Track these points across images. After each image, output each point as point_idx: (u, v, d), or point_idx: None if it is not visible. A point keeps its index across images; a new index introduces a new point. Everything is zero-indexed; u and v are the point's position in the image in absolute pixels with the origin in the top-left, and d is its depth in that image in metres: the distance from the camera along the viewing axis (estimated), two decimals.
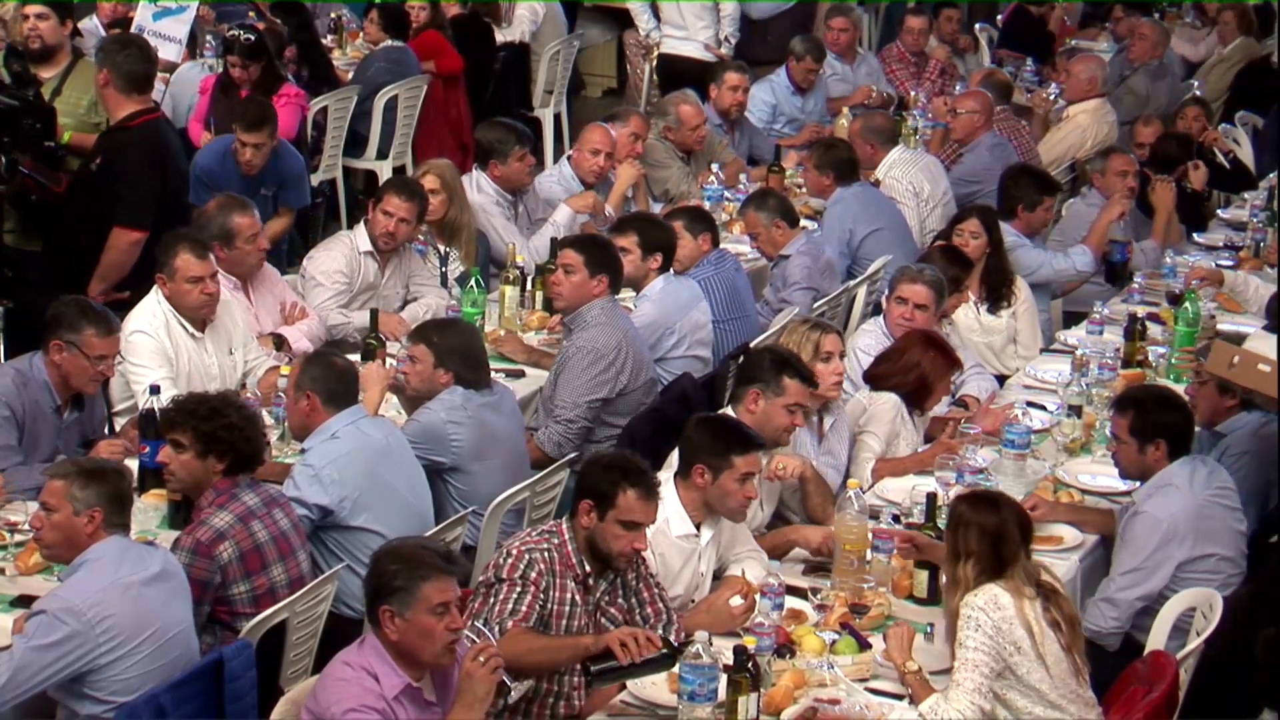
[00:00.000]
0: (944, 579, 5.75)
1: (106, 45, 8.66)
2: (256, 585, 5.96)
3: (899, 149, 10.60)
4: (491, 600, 5.52)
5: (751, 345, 7.89)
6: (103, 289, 8.16)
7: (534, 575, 5.54)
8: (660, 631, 5.68)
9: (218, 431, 5.99)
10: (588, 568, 5.65)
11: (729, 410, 6.74)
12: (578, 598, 5.63)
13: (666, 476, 6.12)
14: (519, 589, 5.52)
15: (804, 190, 10.57)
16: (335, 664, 5.11)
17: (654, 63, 13.78)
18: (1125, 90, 13.10)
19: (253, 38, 10.07)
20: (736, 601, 5.91)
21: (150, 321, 7.39)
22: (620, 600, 5.75)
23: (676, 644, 5.46)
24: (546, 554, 5.59)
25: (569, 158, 10.08)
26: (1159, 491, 6.50)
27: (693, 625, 5.68)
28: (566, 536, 5.66)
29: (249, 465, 6.08)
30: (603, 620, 5.70)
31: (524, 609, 5.50)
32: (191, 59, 11.44)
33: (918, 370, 7.37)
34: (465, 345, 7.06)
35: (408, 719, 5.04)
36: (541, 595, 5.54)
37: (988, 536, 5.52)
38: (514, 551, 5.59)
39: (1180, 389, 8.05)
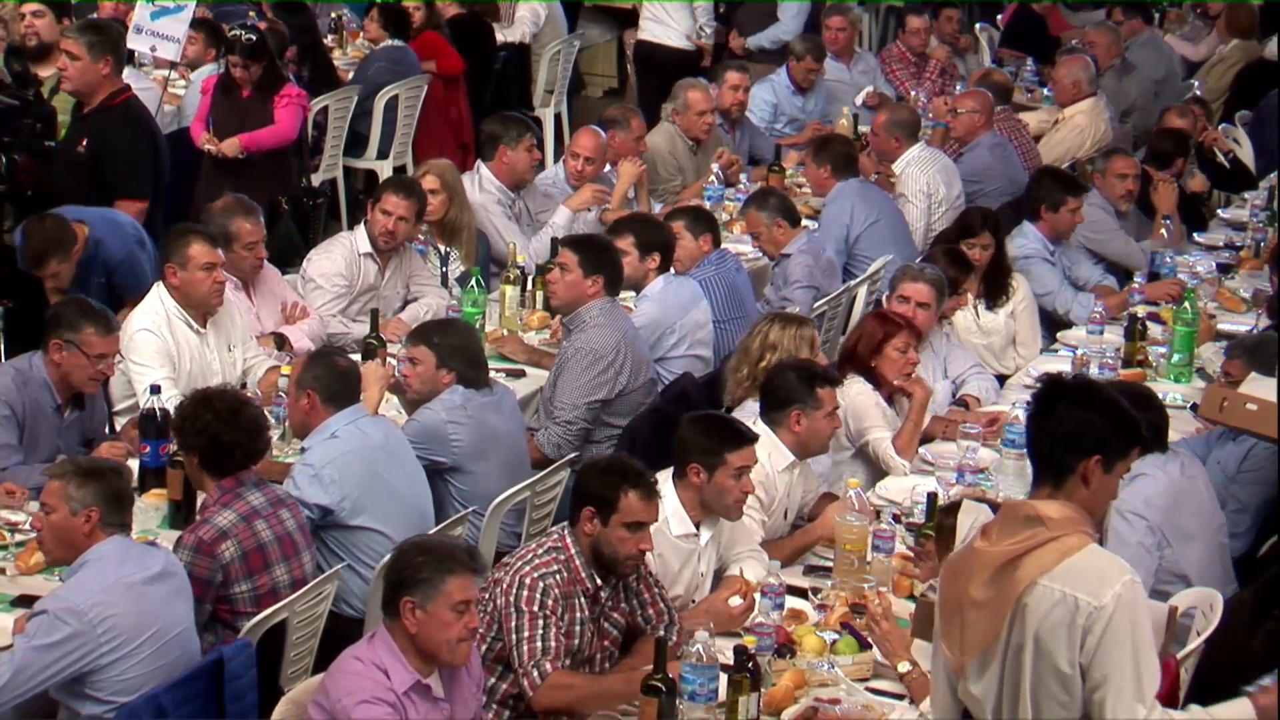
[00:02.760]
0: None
1: (105, 33, 8.68)
2: (259, 585, 5.95)
3: (919, 146, 10.60)
4: (516, 637, 5.45)
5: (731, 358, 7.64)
6: None
7: (551, 603, 5.47)
8: (662, 631, 5.69)
9: (185, 425, 6.00)
10: (597, 580, 5.61)
11: (769, 432, 6.54)
12: (587, 612, 5.60)
13: (665, 476, 6.10)
14: (542, 622, 5.45)
15: (805, 190, 10.57)
16: (345, 658, 5.11)
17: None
18: None
19: (254, 38, 10.07)
20: (735, 601, 5.90)
21: (153, 319, 7.38)
22: (622, 604, 5.74)
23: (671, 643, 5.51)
24: (558, 576, 5.53)
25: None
26: (1129, 484, 6.28)
27: (692, 625, 5.66)
28: (572, 551, 5.59)
29: (225, 466, 5.99)
30: (605, 625, 5.69)
31: (553, 644, 5.45)
32: (215, 60, 11.43)
33: (862, 334, 7.49)
34: (466, 345, 7.06)
35: (417, 715, 5.03)
36: (561, 622, 5.50)
37: None
38: (528, 581, 5.49)
39: (1182, 389, 8.09)
